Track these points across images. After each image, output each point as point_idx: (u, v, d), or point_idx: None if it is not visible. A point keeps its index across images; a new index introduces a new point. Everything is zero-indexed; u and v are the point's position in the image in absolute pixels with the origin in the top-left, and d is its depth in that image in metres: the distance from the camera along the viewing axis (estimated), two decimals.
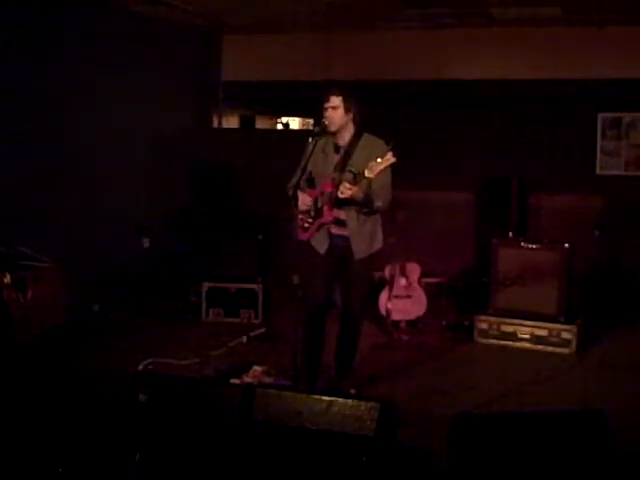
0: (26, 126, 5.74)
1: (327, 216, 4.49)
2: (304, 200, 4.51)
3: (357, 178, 4.31)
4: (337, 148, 4.54)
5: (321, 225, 4.53)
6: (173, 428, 3.19)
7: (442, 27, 7.31)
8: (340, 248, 4.56)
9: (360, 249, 4.54)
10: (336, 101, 4.42)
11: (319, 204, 4.50)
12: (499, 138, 7.44)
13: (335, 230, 4.55)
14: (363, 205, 4.42)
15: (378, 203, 4.43)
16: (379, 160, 4.22)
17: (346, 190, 4.27)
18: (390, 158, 4.24)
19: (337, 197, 4.34)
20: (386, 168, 4.30)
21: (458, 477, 3.01)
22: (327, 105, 4.44)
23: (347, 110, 4.44)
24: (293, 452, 2.98)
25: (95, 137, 6.47)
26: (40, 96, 5.85)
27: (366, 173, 4.24)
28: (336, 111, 4.43)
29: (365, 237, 4.55)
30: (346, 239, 4.54)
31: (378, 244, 4.66)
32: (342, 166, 4.46)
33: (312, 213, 4.54)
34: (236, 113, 9.70)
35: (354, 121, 4.50)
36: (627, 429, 3.87)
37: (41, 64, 5.88)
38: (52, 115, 6.00)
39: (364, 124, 4.54)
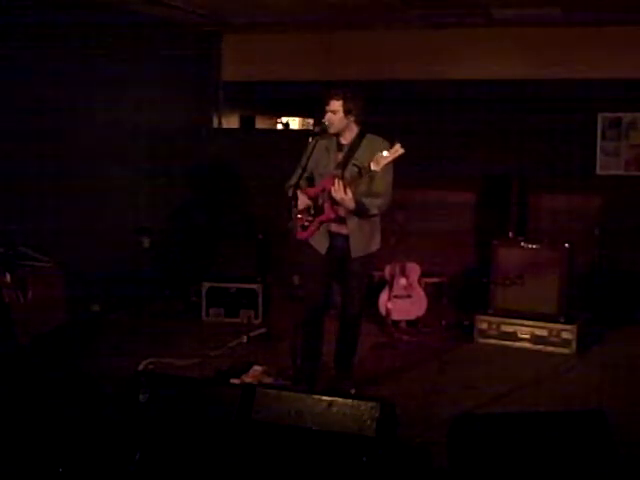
0: (26, 126, 5.74)
1: (329, 213, 4.46)
2: (304, 198, 4.51)
3: (362, 172, 4.27)
4: (340, 146, 4.53)
5: (321, 223, 4.52)
6: (173, 428, 3.19)
7: (442, 27, 7.31)
8: (339, 249, 4.55)
9: (358, 247, 4.53)
10: (336, 105, 4.41)
11: (320, 201, 4.49)
12: (499, 138, 7.43)
13: (335, 228, 4.54)
14: (356, 213, 4.41)
15: (373, 211, 4.43)
16: (386, 153, 4.17)
17: (337, 192, 4.25)
18: (399, 149, 4.19)
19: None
20: (390, 164, 4.26)
21: (458, 477, 3.01)
22: (327, 108, 4.43)
23: (347, 113, 4.42)
24: (293, 452, 2.98)
25: (95, 137, 6.47)
26: (40, 96, 5.84)
27: (372, 166, 4.19)
28: (335, 115, 4.42)
29: (364, 236, 4.54)
30: (345, 238, 4.53)
31: (376, 245, 4.66)
32: (345, 163, 4.45)
33: (312, 211, 4.53)
34: (236, 113, 9.69)
35: (357, 122, 4.49)
36: (627, 429, 3.88)
37: (41, 64, 5.88)
38: (52, 115, 5.99)
39: (366, 124, 4.54)
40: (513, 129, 7.45)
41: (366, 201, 4.38)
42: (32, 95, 5.78)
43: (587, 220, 6.98)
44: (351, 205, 4.32)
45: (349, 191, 4.26)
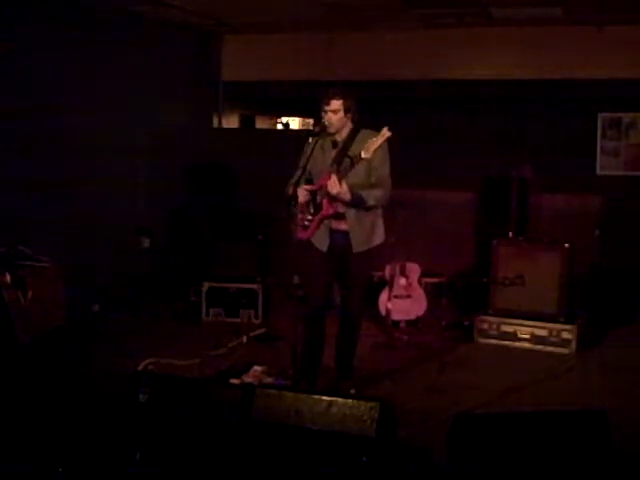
0: (26, 126, 5.74)
1: (327, 209, 4.46)
2: (303, 196, 4.51)
3: (354, 161, 4.30)
4: (334, 143, 4.55)
5: (322, 220, 4.52)
6: (173, 428, 3.18)
7: (442, 27, 7.31)
8: (340, 246, 4.55)
9: (359, 242, 4.53)
10: (337, 104, 4.43)
11: (318, 199, 4.49)
12: (499, 138, 7.43)
13: (335, 224, 4.54)
14: (353, 205, 4.42)
15: (371, 202, 4.43)
16: (374, 139, 4.22)
17: (332, 186, 4.28)
18: (386, 133, 4.23)
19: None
20: (386, 155, 4.27)
21: (458, 477, 3.01)
22: (327, 108, 4.44)
23: (347, 111, 4.46)
24: (293, 452, 2.98)
25: (95, 137, 6.47)
26: (40, 97, 5.85)
27: (362, 154, 4.23)
28: (336, 114, 4.44)
29: (364, 230, 4.54)
30: (346, 235, 4.53)
31: (378, 239, 4.65)
32: (340, 158, 4.46)
33: (312, 210, 4.53)
34: (236, 113, 9.70)
35: (352, 119, 4.52)
36: (627, 429, 3.88)
37: (41, 64, 5.88)
38: (52, 115, 6.00)
39: (362, 121, 4.55)
40: (513, 129, 7.45)
41: (363, 193, 4.40)
42: (32, 95, 5.78)
43: (587, 220, 6.98)
44: (347, 197, 4.34)
45: (344, 184, 4.29)
